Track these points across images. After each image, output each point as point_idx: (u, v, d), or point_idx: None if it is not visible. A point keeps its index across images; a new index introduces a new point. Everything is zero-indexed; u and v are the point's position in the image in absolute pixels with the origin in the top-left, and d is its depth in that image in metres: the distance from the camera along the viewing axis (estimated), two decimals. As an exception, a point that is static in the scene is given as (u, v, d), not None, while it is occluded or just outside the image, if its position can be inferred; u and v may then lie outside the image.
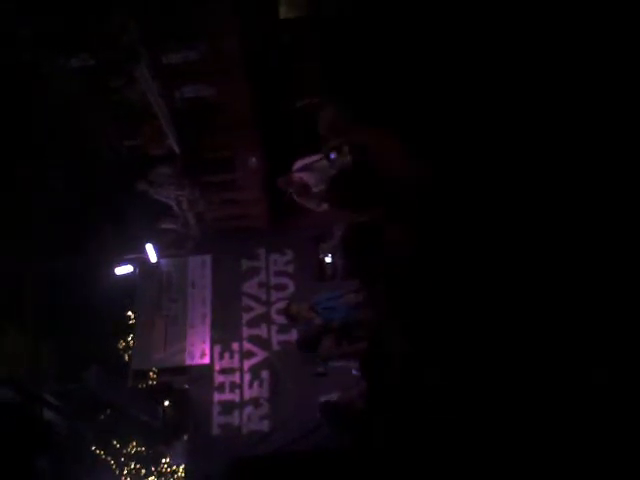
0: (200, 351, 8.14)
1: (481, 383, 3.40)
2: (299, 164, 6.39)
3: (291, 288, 8.20)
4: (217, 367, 8.02)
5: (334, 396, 5.52)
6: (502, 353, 3.26)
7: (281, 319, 7.72)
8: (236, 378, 7.92)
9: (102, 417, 9.69)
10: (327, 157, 5.50)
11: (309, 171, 6.37)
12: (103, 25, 6.18)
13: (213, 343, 8.13)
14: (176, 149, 7.43)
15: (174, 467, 9.77)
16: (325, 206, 6.27)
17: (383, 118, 4.08)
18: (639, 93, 2.84)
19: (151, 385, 9.50)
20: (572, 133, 3.01)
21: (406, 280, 4.13)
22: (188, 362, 8.17)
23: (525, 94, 3.18)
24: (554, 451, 2.97)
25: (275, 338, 7.99)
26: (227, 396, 7.86)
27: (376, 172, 4.92)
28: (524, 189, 3.17)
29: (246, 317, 8.18)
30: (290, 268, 8.32)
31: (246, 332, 8.11)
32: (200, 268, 8.60)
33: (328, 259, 7.94)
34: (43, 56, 6.43)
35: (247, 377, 7.89)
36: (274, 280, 8.31)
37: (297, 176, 6.31)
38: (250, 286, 8.33)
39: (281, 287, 8.24)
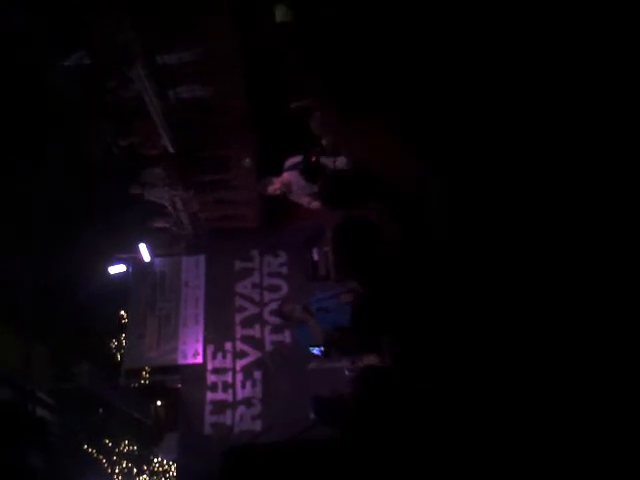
0: (193, 351, 8.16)
1: (473, 382, 3.43)
2: (289, 162, 6.44)
3: (284, 289, 8.22)
4: (210, 367, 8.03)
5: (326, 392, 5.55)
6: (496, 354, 3.29)
7: (274, 320, 7.75)
8: (229, 378, 7.94)
9: (94, 416, 9.69)
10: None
11: (299, 169, 6.42)
12: (98, 24, 6.19)
13: (206, 343, 8.14)
14: (170, 149, 7.45)
15: (166, 466, 9.78)
16: (316, 204, 6.32)
17: (379, 117, 4.10)
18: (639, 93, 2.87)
19: (143, 384, 9.50)
20: (570, 133, 3.04)
21: (403, 279, 4.16)
22: (181, 361, 8.18)
23: (521, 96, 3.21)
24: (543, 452, 3.01)
25: (268, 338, 8.01)
26: (220, 396, 7.87)
27: (368, 172, 4.96)
28: (522, 190, 3.20)
29: (239, 317, 8.20)
30: (284, 270, 8.34)
31: (239, 332, 8.12)
32: (194, 268, 8.61)
33: (320, 259, 7.98)
34: (39, 55, 6.44)
35: (240, 377, 7.90)
36: (267, 281, 8.33)
37: (286, 175, 6.38)
38: (243, 287, 8.35)
39: (274, 288, 8.26)
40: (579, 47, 3.04)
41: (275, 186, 6.19)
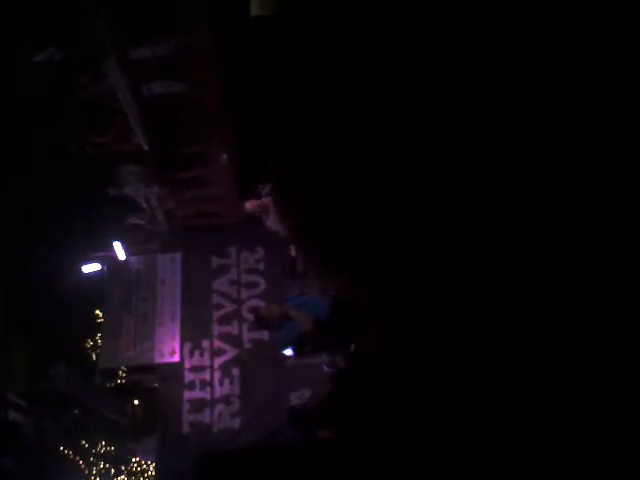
0: (170, 349, 8.09)
1: (465, 383, 3.42)
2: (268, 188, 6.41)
3: (262, 286, 8.19)
4: (187, 365, 7.98)
5: (305, 393, 5.54)
6: (489, 352, 3.29)
7: (252, 317, 7.71)
8: (206, 376, 7.89)
9: (70, 416, 9.56)
10: None
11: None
12: (70, 19, 6.09)
13: (183, 341, 8.08)
14: (145, 146, 7.35)
15: (144, 466, 9.69)
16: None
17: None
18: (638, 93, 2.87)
19: (120, 384, 9.41)
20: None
21: (393, 274, 4.14)
22: (157, 360, 8.11)
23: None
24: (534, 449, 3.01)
25: (246, 335, 7.97)
26: (197, 394, 7.82)
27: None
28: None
29: (216, 315, 8.15)
30: (261, 266, 8.31)
31: (216, 330, 8.08)
32: (170, 266, 8.53)
33: (297, 255, 7.96)
34: (9, 50, 6.31)
35: (217, 375, 7.86)
36: (245, 278, 8.29)
37: (264, 200, 6.38)
38: (221, 284, 8.30)
39: (252, 285, 8.23)
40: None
41: (253, 204, 6.30)
